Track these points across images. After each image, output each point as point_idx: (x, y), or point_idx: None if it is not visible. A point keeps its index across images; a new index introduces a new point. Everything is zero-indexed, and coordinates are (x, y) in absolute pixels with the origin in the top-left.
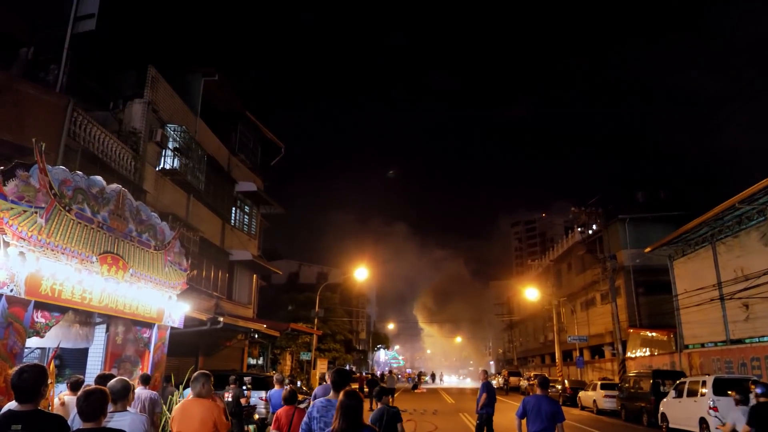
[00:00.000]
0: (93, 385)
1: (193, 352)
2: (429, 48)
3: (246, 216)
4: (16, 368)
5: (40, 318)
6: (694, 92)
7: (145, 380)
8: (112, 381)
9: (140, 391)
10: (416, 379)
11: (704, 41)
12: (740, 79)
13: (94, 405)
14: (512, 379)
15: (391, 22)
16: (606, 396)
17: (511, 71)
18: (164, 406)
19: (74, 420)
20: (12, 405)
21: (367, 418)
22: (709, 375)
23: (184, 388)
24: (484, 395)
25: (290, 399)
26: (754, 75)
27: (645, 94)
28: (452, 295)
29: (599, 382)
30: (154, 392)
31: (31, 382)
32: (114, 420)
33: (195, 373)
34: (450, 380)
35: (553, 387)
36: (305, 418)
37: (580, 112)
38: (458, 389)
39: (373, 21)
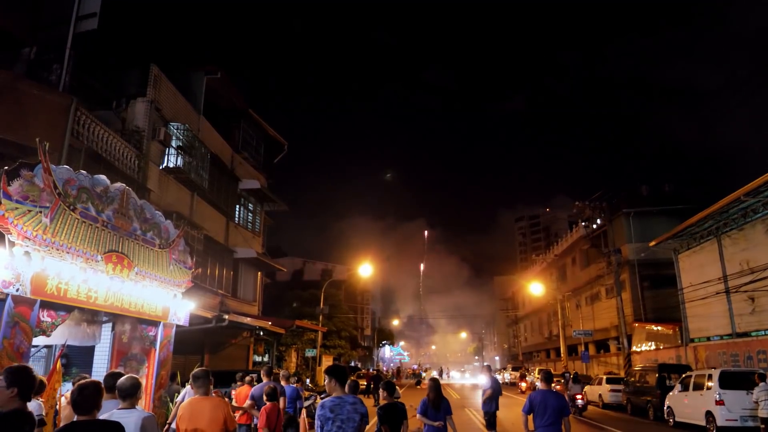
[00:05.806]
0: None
1: (199, 350)
2: (427, 45)
3: (250, 214)
4: (77, 385)
5: (46, 317)
6: (694, 86)
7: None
8: (122, 378)
9: None
10: (420, 375)
11: (700, 34)
12: (740, 72)
13: (88, 399)
14: (515, 374)
15: (388, 20)
16: (612, 390)
17: (508, 66)
18: (170, 404)
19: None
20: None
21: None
22: (715, 368)
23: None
24: (488, 391)
25: (272, 396)
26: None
27: (644, 88)
28: (456, 290)
29: (605, 377)
30: None
31: (91, 399)
32: (121, 417)
33: (195, 372)
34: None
35: (559, 382)
36: (316, 421)
37: (578, 106)
38: (461, 385)
39: (369, 20)
